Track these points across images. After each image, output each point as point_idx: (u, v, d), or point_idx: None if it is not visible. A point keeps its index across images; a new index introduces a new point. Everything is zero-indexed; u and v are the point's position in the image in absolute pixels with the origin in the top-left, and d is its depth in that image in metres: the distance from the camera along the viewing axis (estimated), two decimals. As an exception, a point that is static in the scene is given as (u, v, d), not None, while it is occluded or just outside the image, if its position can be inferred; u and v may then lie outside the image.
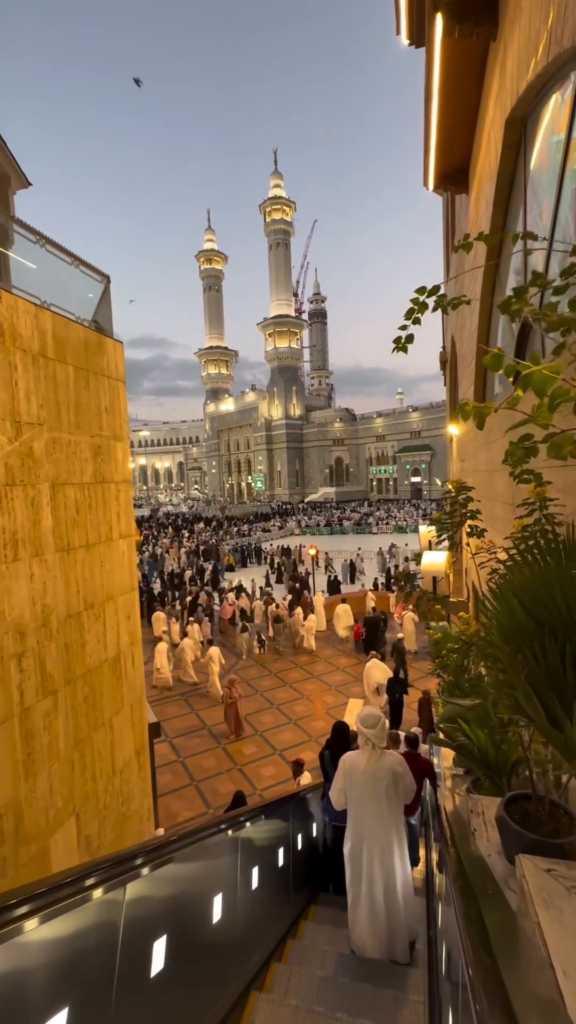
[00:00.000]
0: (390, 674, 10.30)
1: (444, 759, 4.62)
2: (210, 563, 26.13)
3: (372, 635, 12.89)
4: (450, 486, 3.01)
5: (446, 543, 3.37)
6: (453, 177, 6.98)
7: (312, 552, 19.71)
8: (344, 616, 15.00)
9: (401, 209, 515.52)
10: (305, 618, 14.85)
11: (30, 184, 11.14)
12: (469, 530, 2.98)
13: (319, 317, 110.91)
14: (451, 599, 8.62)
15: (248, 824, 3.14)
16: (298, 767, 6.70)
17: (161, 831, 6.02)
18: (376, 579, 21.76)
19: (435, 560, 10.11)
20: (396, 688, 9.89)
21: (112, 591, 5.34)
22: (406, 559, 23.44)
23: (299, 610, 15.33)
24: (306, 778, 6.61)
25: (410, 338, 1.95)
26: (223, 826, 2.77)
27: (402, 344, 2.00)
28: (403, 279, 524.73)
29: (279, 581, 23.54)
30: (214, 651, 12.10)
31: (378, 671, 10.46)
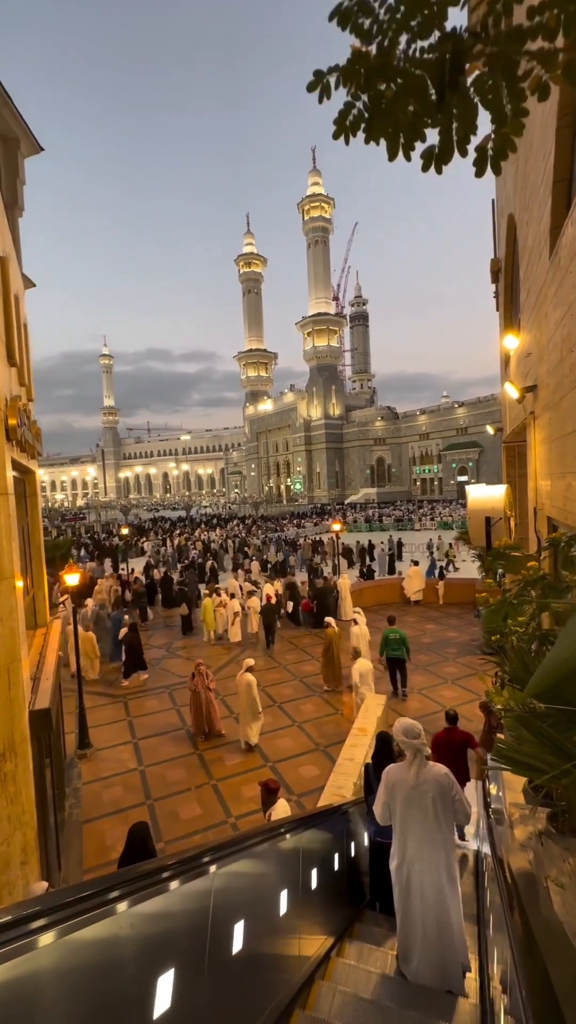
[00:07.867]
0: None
1: (509, 788, 2.30)
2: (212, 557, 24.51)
3: (323, 605, 13.73)
4: None
5: None
6: None
7: (336, 528, 17.59)
8: (415, 578, 15.59)
9: (449, 217, 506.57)
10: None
11: (42, 149, 10.19)
12: None
13: (360, 320, 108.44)
14: (512, 553, 5.76)
15: (292, 835, 2.84)
16: (269, 793, 4.28)
17: (44, 885, 3.73)
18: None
19: (488, 495, 7.01)
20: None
21: None
22: (449, 545, 22.10)
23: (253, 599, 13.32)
24: (281, 809, 4.15)
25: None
26: (282, 830, 2.71)
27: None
28: (451, 284, 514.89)
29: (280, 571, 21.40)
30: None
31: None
